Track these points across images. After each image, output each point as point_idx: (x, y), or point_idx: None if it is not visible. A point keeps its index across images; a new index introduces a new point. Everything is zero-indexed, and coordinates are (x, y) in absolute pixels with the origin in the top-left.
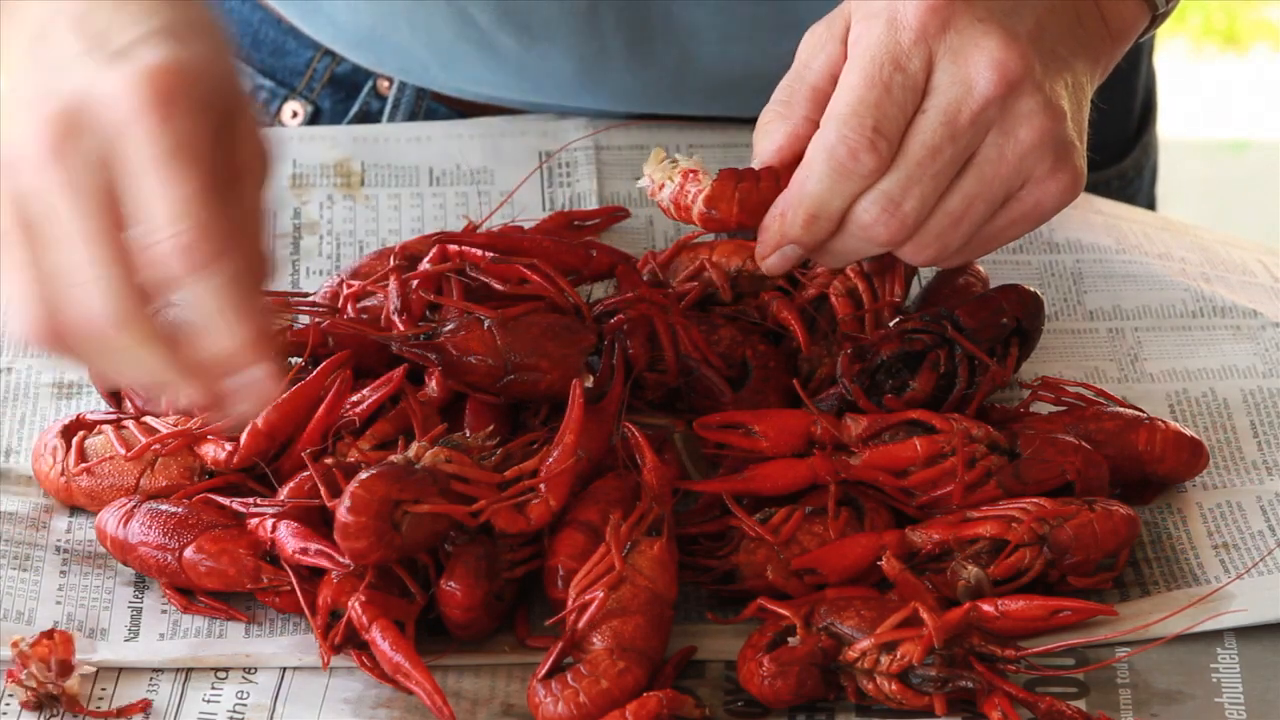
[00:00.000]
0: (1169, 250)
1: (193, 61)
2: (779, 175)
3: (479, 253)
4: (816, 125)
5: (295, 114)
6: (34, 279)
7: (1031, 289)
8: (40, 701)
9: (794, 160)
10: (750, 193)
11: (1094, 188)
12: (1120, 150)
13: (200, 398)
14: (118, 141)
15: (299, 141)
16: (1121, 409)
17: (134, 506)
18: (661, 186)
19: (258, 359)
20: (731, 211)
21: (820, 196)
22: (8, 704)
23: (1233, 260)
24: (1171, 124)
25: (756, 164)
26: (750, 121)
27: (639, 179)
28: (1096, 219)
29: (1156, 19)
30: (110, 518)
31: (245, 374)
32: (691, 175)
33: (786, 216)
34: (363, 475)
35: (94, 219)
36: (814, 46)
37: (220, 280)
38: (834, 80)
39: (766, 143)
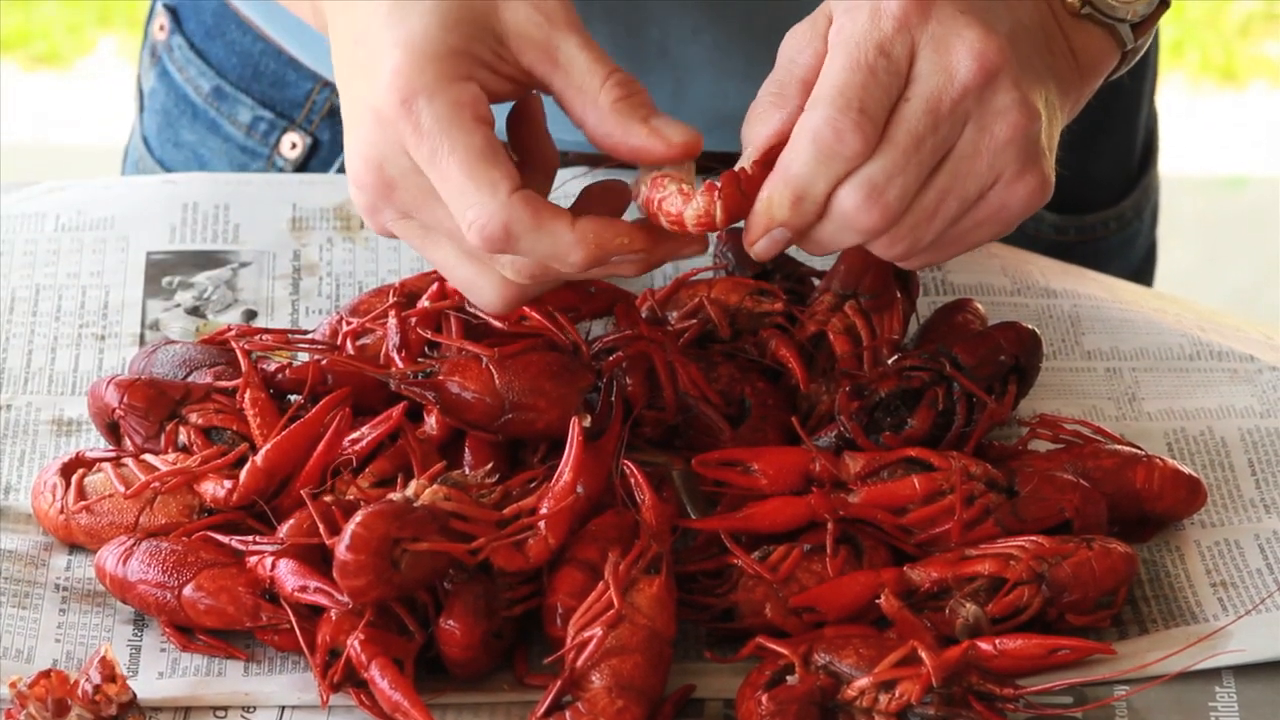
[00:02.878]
0: (1163, 306)
1: (426, 44)
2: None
3: None
4: None
5: (294, 145)
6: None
7: (1029, 326)
8: None
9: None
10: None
11: (1093, 228)
12: (1120, 191)
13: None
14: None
15: (299, 186)
16: (1119, 447)
17: (133, 544)
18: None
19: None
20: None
21: (805, 178)
22: None
23: (1225, 324)
24: (1169, 160)
25: (750, 151)
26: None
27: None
28: (1092, 281)
29: (1125, 57)
30: (109, 556)
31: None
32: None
33: (773, 199)
34: (362, 513)
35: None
36: (799, 44)
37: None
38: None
39: (762, 129)
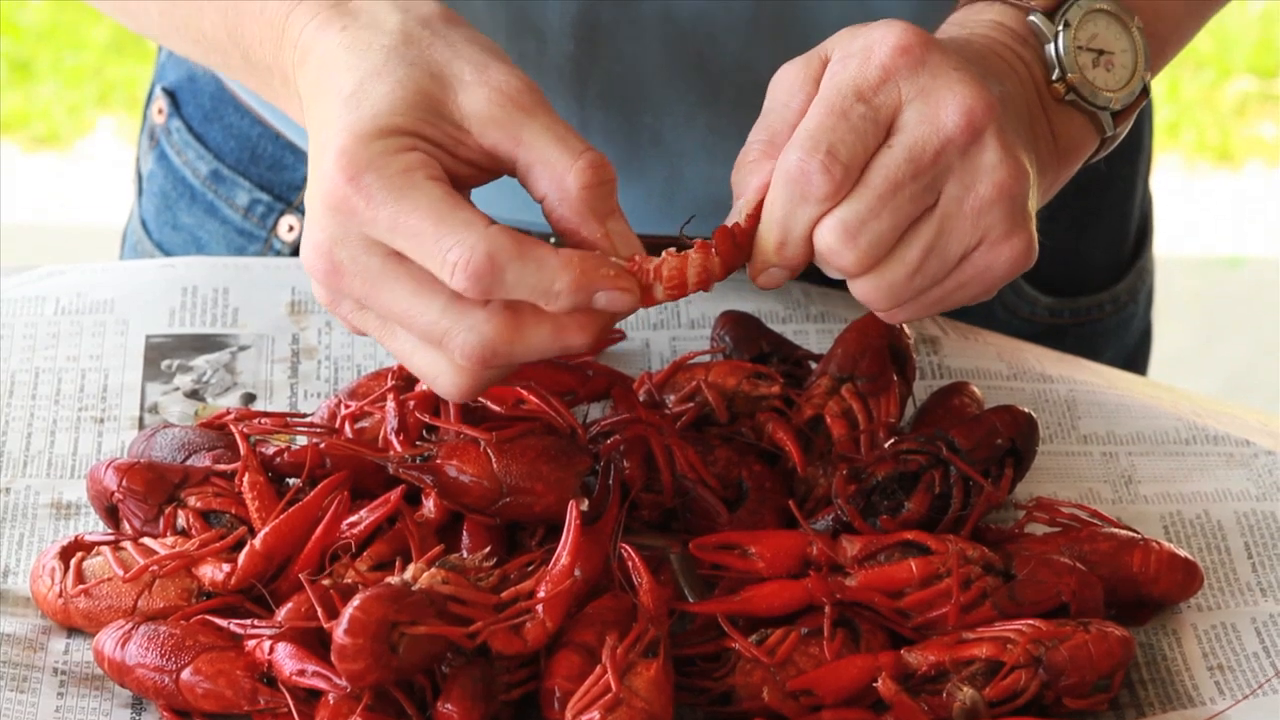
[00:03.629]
0: (1158, 394)
1: (373, 124)
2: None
3: None
4: None
5: (292, 228)
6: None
7: (1025, 410)
8: None
9: None
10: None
11: (1088, 311)
12: (1115, 275)
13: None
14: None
15: (298, 270)
16: (1116, 530)
17: (132, 628)
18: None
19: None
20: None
21: (784, 222)
22: None
23: (1221, 410)
24: (1166, 240)
25: (742, 204)
26: None
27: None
28: (1086, 368)
29: (1104, 143)
30: (108, 639)
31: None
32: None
33: (761, 244)
34: (360, 597)
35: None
36: (790, 87)
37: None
38: None
39: (755, 179)
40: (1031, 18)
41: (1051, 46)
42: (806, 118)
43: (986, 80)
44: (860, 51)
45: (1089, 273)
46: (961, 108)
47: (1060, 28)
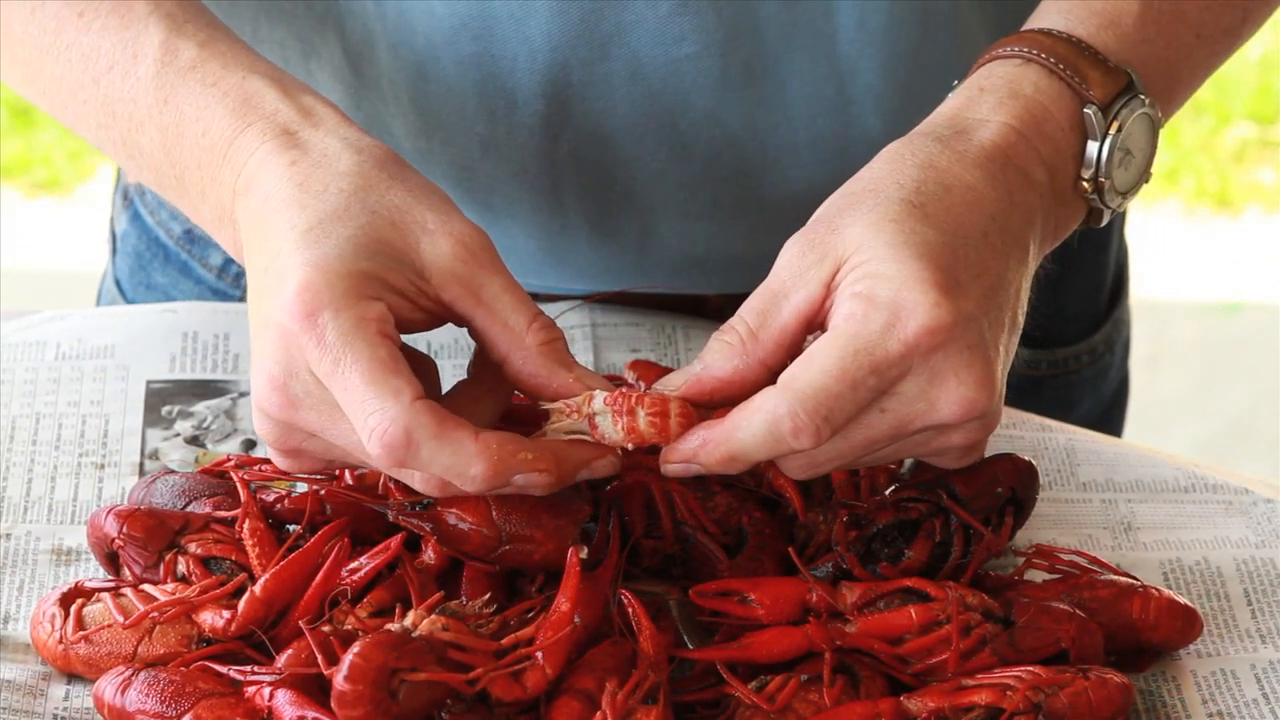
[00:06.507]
0: (1156, 448)
1: (340, 264)
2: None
3: None
4: (769, 370)
5: None
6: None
7: (1026, 458)
8: None
9: (728, 395)
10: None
11: (1064, 362)
12: (1091, 325)
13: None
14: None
15: None
16: (1115, 577)
17: (131, 675)
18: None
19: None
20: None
21: (747, 448)
22: None
23: (1216, 465)
24: (1164, 286)
25: (703, 374)
26: (713, 298)
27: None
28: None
29: (1088, 221)
30: (108, 686)
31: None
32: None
33: (706, 448)
34: (360, 643)
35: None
36: (796, 273)
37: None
38: (805, 325)
39: (717, 371)
40: (1087, 110)
41: (1097, 146)
42: (817, 369)
43: (994, 361)
44: (887, 308)
45: (1066, 324)
46: (962, 402)
47: (1114, 130)
